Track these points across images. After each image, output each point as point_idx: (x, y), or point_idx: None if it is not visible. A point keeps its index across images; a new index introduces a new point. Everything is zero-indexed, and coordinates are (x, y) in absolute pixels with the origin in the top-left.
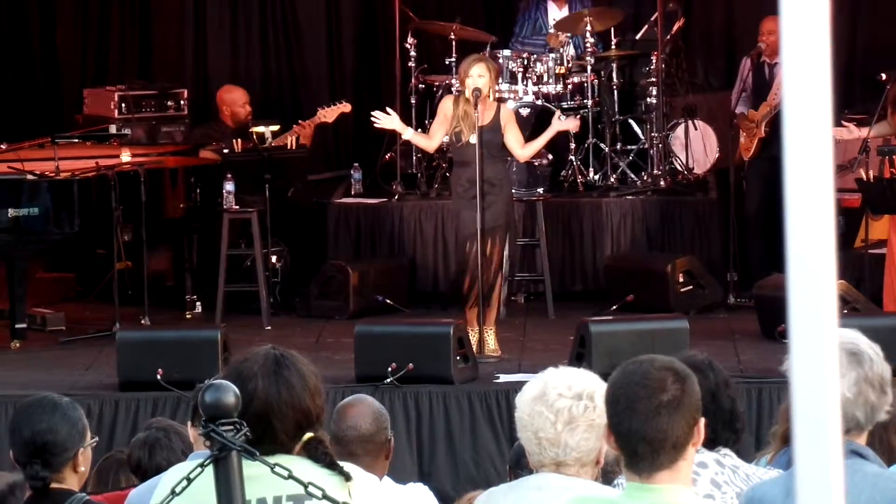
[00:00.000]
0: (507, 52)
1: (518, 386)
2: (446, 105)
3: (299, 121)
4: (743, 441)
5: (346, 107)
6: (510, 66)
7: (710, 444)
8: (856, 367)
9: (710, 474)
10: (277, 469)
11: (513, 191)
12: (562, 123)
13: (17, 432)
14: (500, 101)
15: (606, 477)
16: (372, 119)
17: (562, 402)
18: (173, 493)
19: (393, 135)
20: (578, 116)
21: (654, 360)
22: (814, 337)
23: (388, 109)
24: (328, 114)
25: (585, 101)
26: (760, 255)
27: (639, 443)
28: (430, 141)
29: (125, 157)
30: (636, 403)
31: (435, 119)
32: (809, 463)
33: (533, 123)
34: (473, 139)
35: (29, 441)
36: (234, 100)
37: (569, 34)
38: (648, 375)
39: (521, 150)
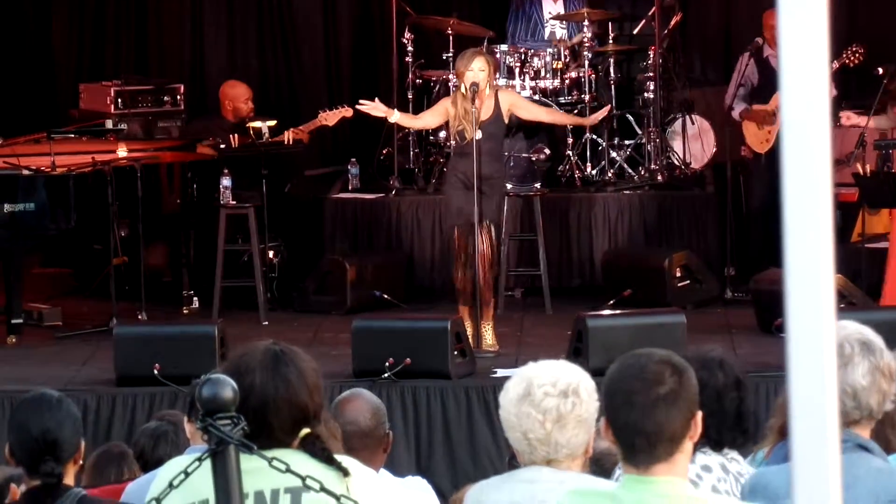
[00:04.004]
0: (504, 47)
1: None
2: (447, 102)
3: (300, 127)
4: (757, 439)
5: (347, 111)
6: (507, 61)
7: (716, 444)
8: (868, 356)
9: (712, 480)
10: (275, 463)
11: (506, 188)
12: (593, 119)
13: (23, 430)
14: (497, 89)
15: (602, 468)
16: (358, 107)
17: (549, 401)
18: (171, 486)
19: (390, 129)
20: (607, 109)
21: (651, 353)
22: (812, 331)
23: (364, 102)
24: (329, 117)
25: (583, 95)
26: (761, 250)
27: (636, 436)
28: (417, 121)
29: (121, 152)
30: (633, 397)
31: (433, 106)
32: (807, 457)
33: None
34: (479, 135)
35: (39, 438)
36: (237, 95)
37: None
38: (646, 369)
39: (547, 114)
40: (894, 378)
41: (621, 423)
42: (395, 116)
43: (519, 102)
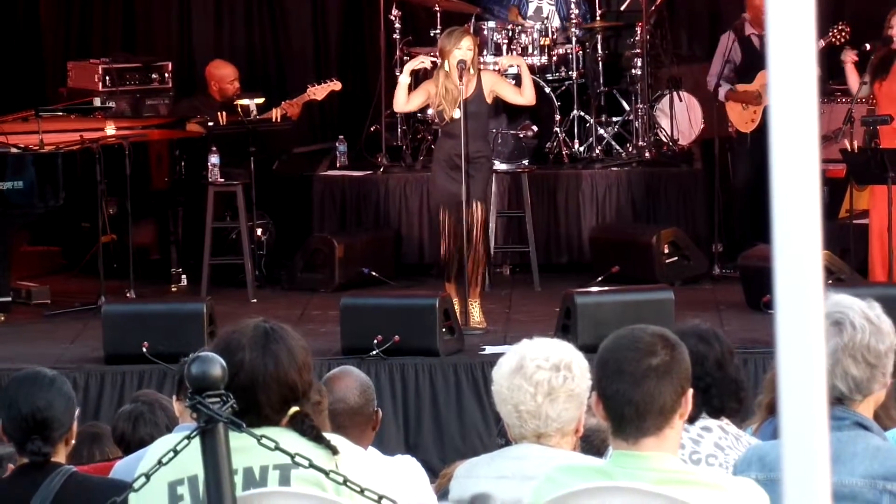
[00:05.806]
0: (491, 24)
1: None
2: (429, 84)
3: (286, 100)
4: (747, 411)
5: (336, 85)
6: (495, 38)
7: (716, 413)
8: (835, 336)
9: (714, 438)
10: (264, 441)
11: (493, 165)
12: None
13: (13, 408)
14: (480, 70)
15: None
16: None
17: (540, 374)
18: (160, 463)
19: (378, 106)
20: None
21: (645, 327)
22: (800, 307)
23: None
24: (318, 91)
25: (570, 72)
26: (748, 227)
27: (625, 405)
28: (408, 102)
29: (110, 130)
30: (624, 366)
31: (418, 88)
32: (796, 433)
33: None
34: (457, 114)
35: (28, 417)
36: (224, 76)
37: (552, 2)
38: (639, 340)
39: (521, 96)
40: (874, 361)
41: (611, 392)
42: (405, 81)
43: (499, 85)
